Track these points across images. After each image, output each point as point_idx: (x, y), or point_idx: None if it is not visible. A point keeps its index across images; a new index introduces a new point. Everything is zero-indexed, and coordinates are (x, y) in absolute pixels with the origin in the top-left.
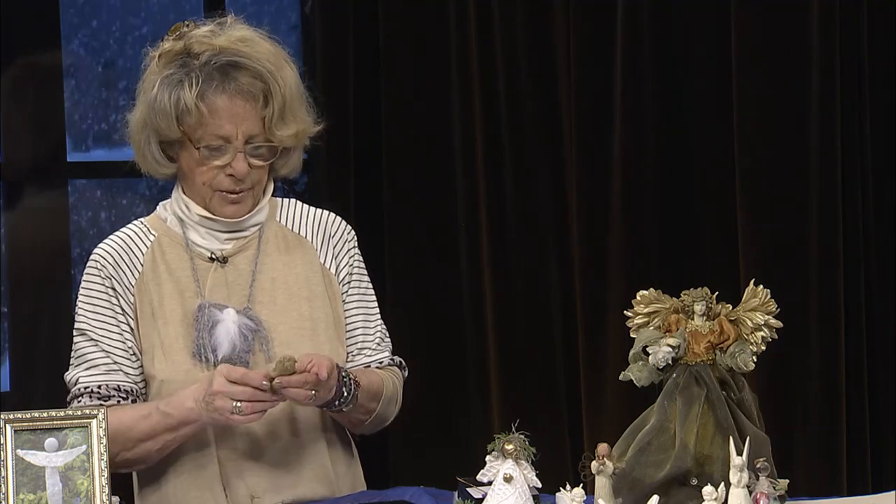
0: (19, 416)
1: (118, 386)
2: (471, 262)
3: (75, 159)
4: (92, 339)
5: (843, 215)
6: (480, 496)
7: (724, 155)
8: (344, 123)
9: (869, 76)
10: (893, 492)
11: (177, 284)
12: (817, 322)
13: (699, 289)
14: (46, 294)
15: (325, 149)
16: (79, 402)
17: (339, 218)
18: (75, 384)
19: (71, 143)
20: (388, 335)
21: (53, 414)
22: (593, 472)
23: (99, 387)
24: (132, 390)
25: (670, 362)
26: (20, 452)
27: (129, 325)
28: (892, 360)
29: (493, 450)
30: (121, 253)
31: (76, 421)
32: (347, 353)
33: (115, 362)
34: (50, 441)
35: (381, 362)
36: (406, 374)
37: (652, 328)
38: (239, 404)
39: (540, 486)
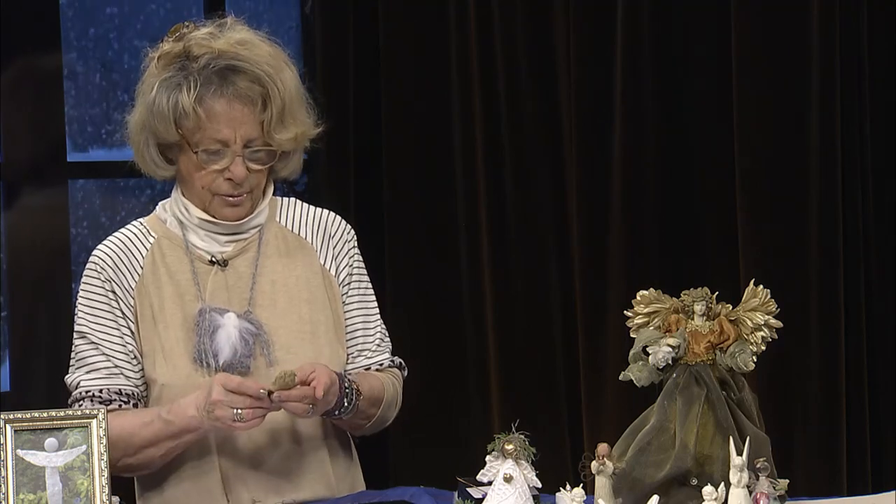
0: (19, 416)
1: (119, 390)
2: (471, 262)
3: (75, 159)
4: (92, 343)
5: (843, 215)
6: (480, 496)
7: (724, 155)
8: (344, 123)
9: (869, 76)
10: (893, 492)
11: (177, 288)
12: (817, 322)
13: (699, 289)
14: (46, 294)
15: (325, 149)
16: (80, 405)
17: (338, 217)
18: (76, 387)
19: (71, 143)
20: (387, 335)
21: (53, 414)
22: (593, 472)
23: (100, 391)
24: (133, 394)
25: (670, 362)
26: (20, 452)
27: (129, 328)
28: (892, 360)
29: (493, 450)
30: (120, 255)
31: (76, 421)
32: (347, 355)
33: (116, 366)
34: (50, 441)
35: (381, 364)
36: (405, 374)
37: (652, 328)
38: (240, 411)
39: (540, 486)
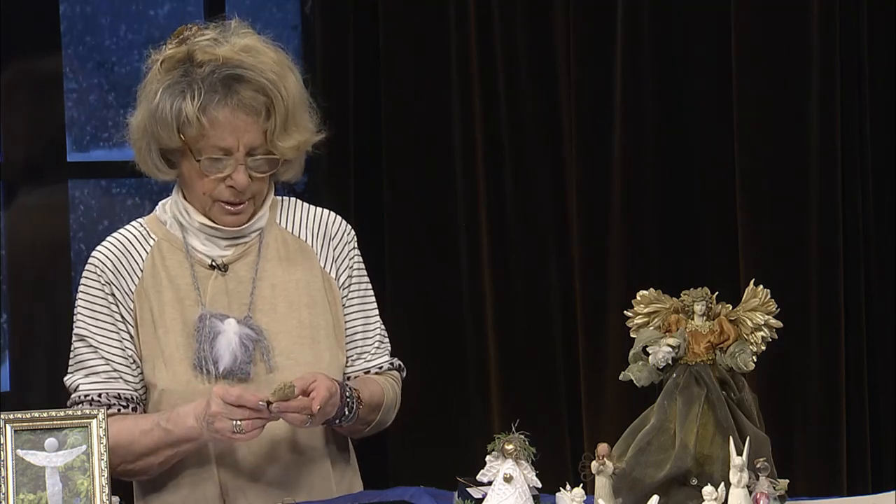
0: (19, 416)
1: (118, 394)
2: (471, 262)
3: (75, 159)
4: (92, 347)
5: (843, 215)
6: (480, 496)
7: (724, 155)
8: (344, 123)
9: (869, 76)
10: (893, 492)
11: (177, 292)
12: (817, 322)
13: (699, 289)
14: (46, 294)
15: (326, 149)
16: (79, 408)
17: (338, 218)
18: (75, 390)
19: (71, 143)
20: (386, 337)
21: (53, 414)
22: (593, 472)
23: (99, 395)
24: (133, 398)
25: (670, 362)
26: (20, 452)
27: (128, 332)
28: (892, 360)
29: (493, 450)
30: (120, 258)
31: (76, 421)
32: (347, 358)
33: (116, 370)
34: (50, 441)
35: (380, 367)
36: (404, 375)
37: (652, 328)
38: (239, 423)
39: (540, 486)
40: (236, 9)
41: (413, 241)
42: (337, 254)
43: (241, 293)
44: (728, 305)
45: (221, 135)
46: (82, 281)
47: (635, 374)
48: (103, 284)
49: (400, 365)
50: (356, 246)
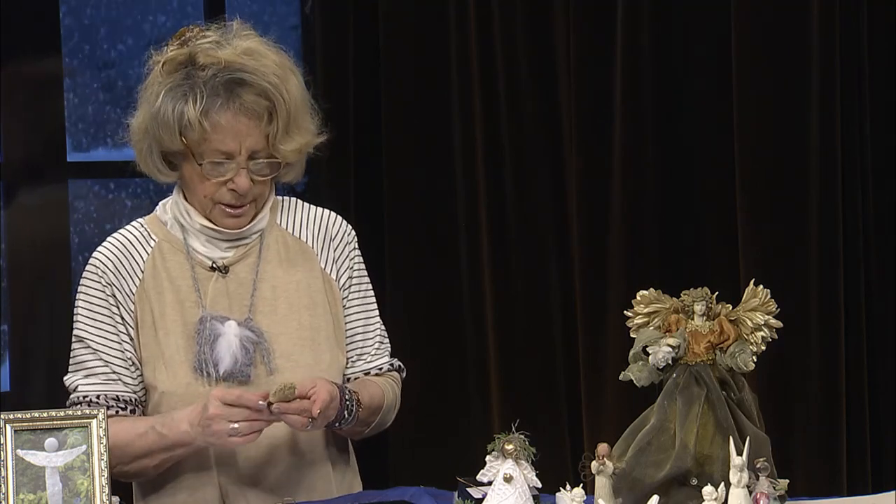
0: (19, 416)
1: (117, 396)
2: (471, 262)
3: (75, 159)
4: (91, 348)
5: (843, 215)
6: (480, 496)
7: (724, 155)
8: (344, 123)
9: (869, 76)
10: (893, 492)
11: (177, 294)
12: (817, 322)
13: (699, 289)
14: (46, 294)
15: (326, 149)
16: (80, 409)
17: (339, 218)
18: (74, 391)
19: (71, 143)
20: (386, 337)
21: (53, 414)
22: (593, 472)
23: (98, 397)
24: (131, 400)
25: (670, 362)
26: (20, 452)
27: (128, 334)
28: (892, 360)
29: (493, 450)
30: (121, 259)
31: (76, 421)
32: (347, 359)
33: (115, 372)
34: (50, 441)
35: (380, 368)
36: (404, 375)
37: (652, 328)
38: (236, 425)
39: (540, 486)
40: (236, 9)
41: (413, 241)
42: (337, 255)
43: (241, 295)
44: (728, 305)
45: (223, 139)
46: (83, 281)
47: (635, 374)
48: (104, 286)
49: (400, 366)
50: (357, 246)
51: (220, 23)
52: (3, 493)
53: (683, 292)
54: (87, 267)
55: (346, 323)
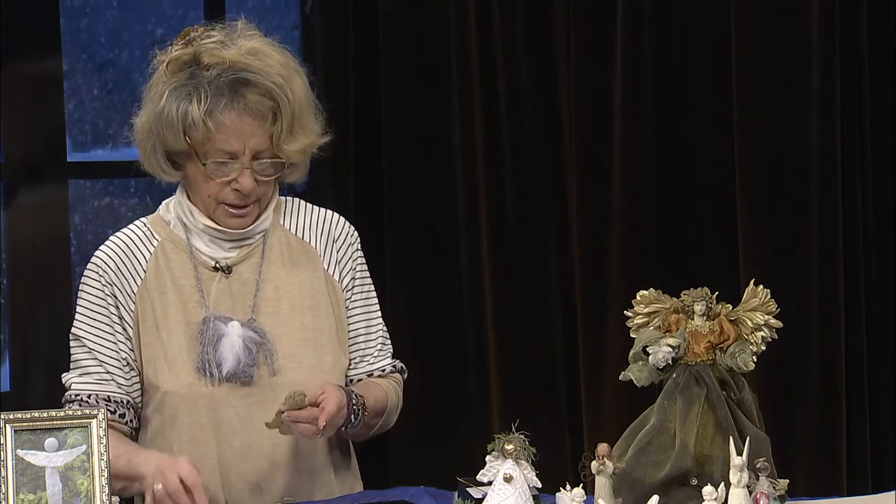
0: (19, 416)
1: (108, 396)
2: (471, 262)
3: (75, 159)
4: (87, 347)
5: (843, 215)
6: (480, 496)
7: (724, 155)
8: (344, 124)
9: (869, 76)
10: (893, 492)
11: (180, 294)
12: (817, 322)
13: (699, 289)
14: (46, 294)
15: (326, 149)
16: (70, 407)
17: (342, 219)
18: (68, 388)
19: (71, 143)
20: (388, 339)
21: (53, 414)
22: (593, 472)
23: (89, 396)
24: (123, 401)
25: (670, 362)
26: (20, 452)
27: (126, 334)
28: (892, 360)
29: (493, 450)
30: (123, 258)
31: (76, 421)
32: (349, 361)
33: (108, 372)
34: (50, 441)
35: (382, 370)
36: (405, 376)
37: (652, 328)
38: (159, 487)
39: (540, 486)
40: (237, 9)
41: (413, 241)
42: (340, 256)
43: (244, 295)
44: (728, 305)
45: (227, 139)
46: (84, 280)
47: (635, 374)
48: (104, 285)
49: (402, 367)
50: (360, 248)
51: (225, 23)
52: (3, 493)
53: (683, 292)
54: (89, 265)
55: (348, 324)
